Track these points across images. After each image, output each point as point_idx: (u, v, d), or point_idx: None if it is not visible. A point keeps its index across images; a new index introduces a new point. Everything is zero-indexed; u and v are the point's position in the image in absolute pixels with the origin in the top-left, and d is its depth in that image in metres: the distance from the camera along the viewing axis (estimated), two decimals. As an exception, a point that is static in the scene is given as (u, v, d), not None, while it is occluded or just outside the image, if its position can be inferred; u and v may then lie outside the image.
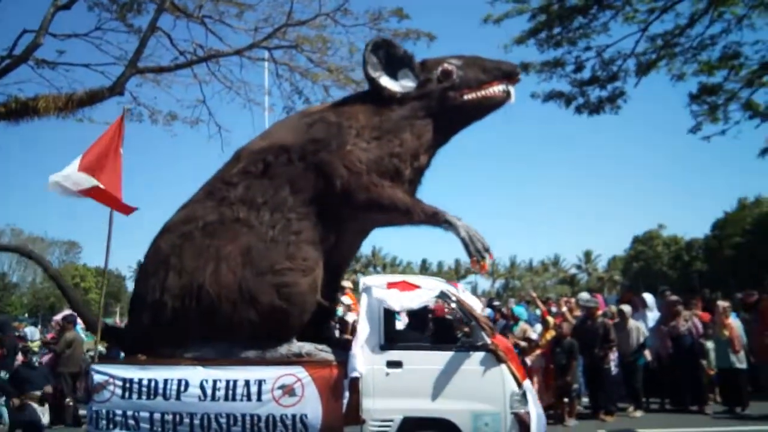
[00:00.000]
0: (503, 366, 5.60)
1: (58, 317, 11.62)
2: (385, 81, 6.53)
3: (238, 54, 10.60)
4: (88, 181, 6.25)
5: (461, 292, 6.12)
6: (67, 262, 60.98)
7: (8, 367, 7.91)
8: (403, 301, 5.74)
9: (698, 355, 9.75)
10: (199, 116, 11.32)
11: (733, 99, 14.34)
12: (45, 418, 6.14)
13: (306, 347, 5.99)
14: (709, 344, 9.86)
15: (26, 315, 52.68)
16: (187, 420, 5.66)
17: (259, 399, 5.60)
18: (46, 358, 10.11)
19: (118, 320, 27.32)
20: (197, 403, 5.69)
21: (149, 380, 5.75)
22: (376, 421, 5.56)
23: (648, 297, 11.01)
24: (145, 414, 5.70)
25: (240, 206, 6.23)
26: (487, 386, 5.56)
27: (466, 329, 6.05)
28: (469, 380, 5.56)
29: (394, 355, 5.68)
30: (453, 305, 5.89)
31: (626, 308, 10.10)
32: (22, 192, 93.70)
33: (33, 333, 10.52)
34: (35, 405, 6.97)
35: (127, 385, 5.77)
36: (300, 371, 5.66)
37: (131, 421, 5.72)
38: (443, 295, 5.86)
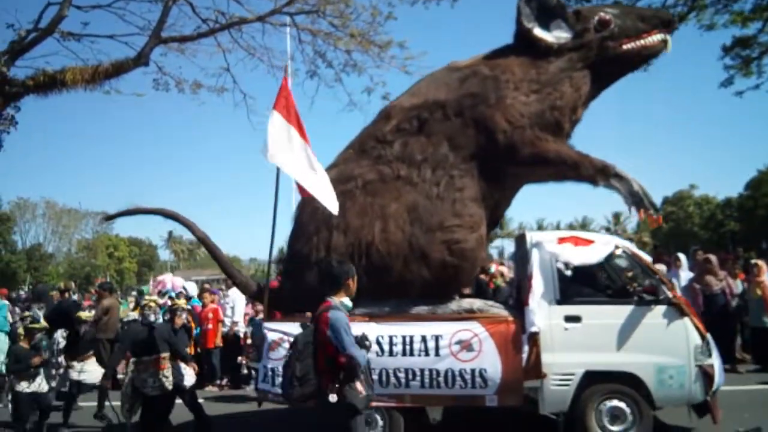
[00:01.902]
0: (686, 319, 5.55)
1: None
2: (539, 32, 6.35)
3: (260, 20, 10.43)
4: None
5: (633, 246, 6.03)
6: (101, 233, 61.72)
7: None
8: (581, 256, 5.68)
9: (731, 314, 9.54)
10: (224, 84, 11.23)
11: (768, 52, 13.86)
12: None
13: (476, 303, 5.98)
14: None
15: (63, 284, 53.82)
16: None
17: (437, 354, 5.63)
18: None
19: (152, 288, 27.69)
20: (374, 358, 5.68)
21: (324, 337, 5.78)
22: (557, 375, 5.57)
23: (682, 257, 10.84)
24: (322, 370, 5.75)
25: (399, 164, 6.15)
26: (670, 339, 5.52)
27: (634, 283, 5.99)
28: (652, 334, 5.52)
29: (571, 309, 5.65)
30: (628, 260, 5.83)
31: (660, 267, 9.96)
32: (56, 164, 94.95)
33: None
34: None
35: (303, 342, 5.81)
36: (476, 326, 5.65)
37: (308, 377, 5.77)
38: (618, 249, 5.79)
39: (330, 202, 5.75)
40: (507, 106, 6.06)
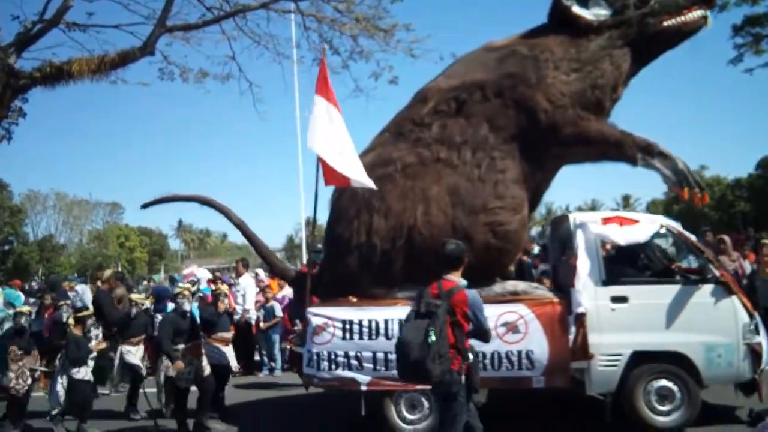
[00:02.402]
0: (734, 297, 5.51)
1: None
2: (578, 10, 6.25)
3: (265, 7, 10.29)
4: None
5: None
6: (111, 223, 62.01)
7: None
8: (627, 236, 5.63)
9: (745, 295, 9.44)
10: (230, 72, 11.10)
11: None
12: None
13: (520, 285, 5.96)
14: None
15: (75, 275, 54.09)
16: (411, 359, 5.70)
17: (483, 337, 5.60)
18: None
19: (163, 276, 27.66)
20: (419, 341, 5.71)
21: (370, 321, 5.79)
22: (605, 356, 5.55)
23: (692, 238, 10.67)
24: (367, 354, 5.76)
25: (438, 146, 6.11)
26: (718, 318, 5.49)
27: (680, 263, 5.95)
28: (700, 313, 5.49)
29: (617, 290, 5.62)
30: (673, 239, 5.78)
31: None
32: (65, 156, 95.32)
33: (84, 291, 10.84)
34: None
35: (347, 326, 5.82)
36: (522, 308, 5.63)
37: (354, 362, 5.79)
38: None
39: (367, 181, 5.74)
40: (548, 85, 6.00)
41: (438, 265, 4.39)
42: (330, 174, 6.08)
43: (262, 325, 9.85)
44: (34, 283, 24.93)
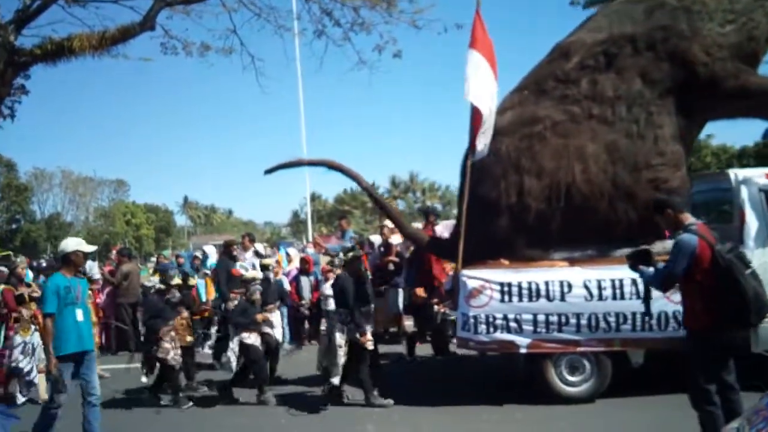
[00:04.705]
0: None
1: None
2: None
3: None
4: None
5: None
6: (117, 200, 61.47)
7: None
8: None
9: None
10: (232, 46, 10.70)
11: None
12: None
13: (681, 244, 5.81)
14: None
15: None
16: (573, 320, 5.60)
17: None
18: (106, 291, 10.48)
19: (171, 253, 27.49)
20: (583, 303, 5.61)
21: (529, 283, 5.65)
22: (774, 313, 5.43)
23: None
24: (527, 316, 5.64)
25: (589, 102, 5.90)
26: None
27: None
28: None
29: (786, 246, 5.49)
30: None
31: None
32: (68, 133, 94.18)
33: (92, 267, 10.72)
34: None
35: (506, 288, 5.68)
36: (689, 267, 5.49)
37: (513, 324, 5.67)
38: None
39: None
40: (704, 37, 5.78)
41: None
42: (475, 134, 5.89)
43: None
44: (42, 261, 24.77)
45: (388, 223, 8.94)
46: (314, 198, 62.73)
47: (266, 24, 10.41)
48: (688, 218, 4.15)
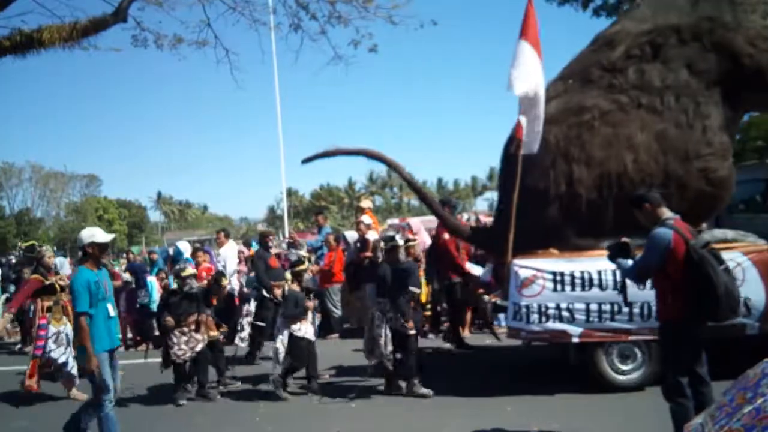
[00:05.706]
0: None
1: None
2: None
3: None
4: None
5: None
6: (89, 195, 59.99)
7: None
8: None
9: None
10: (206, 38, 10.38)
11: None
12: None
13: (729, 233, 5.88)
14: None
15: (54, 248, 52.43)
16: (626, 309, 5.60)
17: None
18: None
19: (144, 249, 26.93)
20: (636, 291, 5.57)
21: (582, 272, 5.65)
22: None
23: None
24: (580, 305, 5.64)
25: (637, 92, 5.92)
26: None
27: None
28: None
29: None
30: None
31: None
32: (38, 127, 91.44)
33: (62, 263, 10.56)
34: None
35: (558, 277, 5.67)
36: (738, 256, 5.55)
37: (565, 313, 5.66)
38: None
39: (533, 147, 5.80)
40: (747, 29, 5.85)
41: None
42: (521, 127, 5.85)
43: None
44: (12, 257, 24.04)
45: (365, 219, 8.87)
46: (290, 193, 62.42)
47: (241, 17, 10.17)
48: (665, 213, 4.25)
